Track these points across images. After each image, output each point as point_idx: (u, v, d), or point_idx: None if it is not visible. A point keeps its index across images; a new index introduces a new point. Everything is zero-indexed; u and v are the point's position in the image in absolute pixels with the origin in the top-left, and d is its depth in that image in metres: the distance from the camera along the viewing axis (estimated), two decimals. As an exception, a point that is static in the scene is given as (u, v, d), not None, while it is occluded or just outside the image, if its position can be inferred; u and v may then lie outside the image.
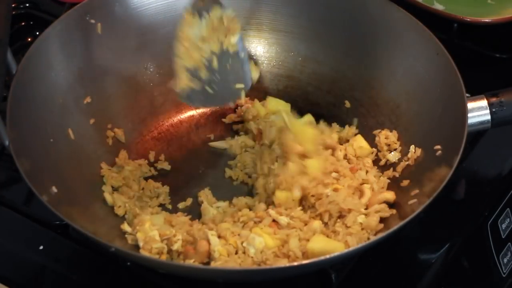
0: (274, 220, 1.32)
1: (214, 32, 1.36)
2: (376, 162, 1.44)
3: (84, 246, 1.34)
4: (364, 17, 1.51)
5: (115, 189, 1.41)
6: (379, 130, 1.45)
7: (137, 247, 1.29)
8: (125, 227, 1.33)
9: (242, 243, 1.28)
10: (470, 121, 1.30)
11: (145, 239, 1.28)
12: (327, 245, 1.26)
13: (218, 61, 1.37)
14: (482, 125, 1.35)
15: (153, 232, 1.29)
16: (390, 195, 1.35)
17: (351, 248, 1.23)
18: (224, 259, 1.26)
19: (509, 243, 1.44)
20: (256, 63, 1.53)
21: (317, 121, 1.52)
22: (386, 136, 1.43)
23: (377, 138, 1.44)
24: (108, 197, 1.37)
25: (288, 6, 1.57)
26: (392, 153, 1.41)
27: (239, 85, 1.40)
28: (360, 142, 1.45)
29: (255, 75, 1.44)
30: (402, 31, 1.46)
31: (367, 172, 1.40)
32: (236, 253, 1.28)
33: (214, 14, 1.35)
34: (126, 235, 1.32)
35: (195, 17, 1.34)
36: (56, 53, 1.41)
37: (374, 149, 1.45)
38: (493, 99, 1.35)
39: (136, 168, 1.45)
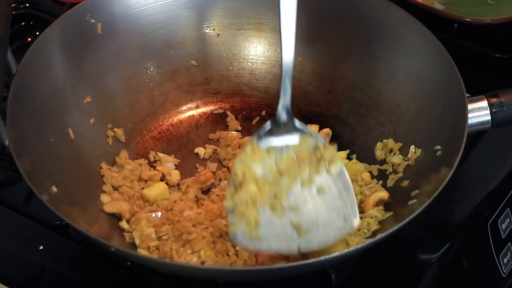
0: None
1: (301, 164, 1.21)
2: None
3: (84, 246, 1.34)
4: (364, 17, 1.51)
5: (115, 189, 1.41)
6: (375, 143, 1.45)
7: (134, 245, 1.30)
8: (123, 224, 1.33)
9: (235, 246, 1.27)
10: (470, 121, 1.30)
11: (141, 237, 1.29)
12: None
13: (301, 197, 1.20)
14: (482, 125, 1.35)
15: (149, 230, 1.29)
16: (384, 193, 1.35)
17: (351, 248, 1.23)
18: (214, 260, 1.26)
19: (509, 243, 1.44)
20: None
21: (317, 119, 1.53)
22: (384, 145, 1.43)
23: (377, 152, 1.44)
24: (103, 198, 1.37)
25: (288, 6, 1.57)
26: (396, 155, 1.41)
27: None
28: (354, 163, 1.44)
29: (355, 219, 1.24)
30: (402, 31, 1.46)
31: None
32: (227, 255, 1.29)
33: (301, 145, 1.22)
34: (124, 233, 1.32)
35: (266, 150, 1.21)
36: (56, 53, 1.41)
37: (373, 165, 1.44)
38: (493, 100, 1.35)
39: (136, 168, 1.45)
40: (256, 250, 1.21)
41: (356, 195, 1.30)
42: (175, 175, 1.44)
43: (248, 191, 1.18)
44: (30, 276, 1.34)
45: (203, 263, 1.27)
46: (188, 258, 1.27)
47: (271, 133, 1.23)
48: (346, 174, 1.23)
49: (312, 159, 1.21)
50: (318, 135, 1.25)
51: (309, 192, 1.21)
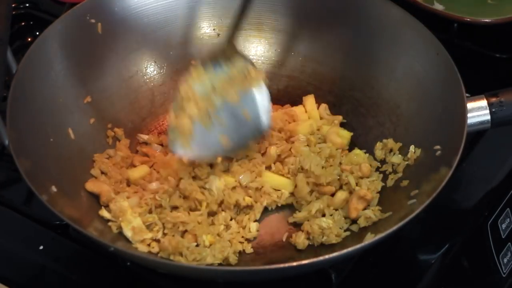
0: None
1: (232, 83, 1.36)
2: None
3: (84, 246, 1.35)
4: (364, 17, 1.51)
5: (103, 173, 1.41)
6: (375, 143, 1.45)
7: (121, 234, 1.30)
8: (104, 213, 1.33)
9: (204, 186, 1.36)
10: (470, 121, 1.30)
11: (133, 230, 1.29)
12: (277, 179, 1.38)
13: (229, 111, 1.36)
14: (482, 125, 1.35)
15: (136, 220, 1.30)
16: (365, 192, 1.35)
17: (351, 248, 1.22)
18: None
19: (509, 243, 1.44)
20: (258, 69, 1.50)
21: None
22: (384, 145, 1.43)
23: (376, 152, 1.44)
24: (89, 185, 1.37)
25: (288, 6, 1.57)
26: (395, 155, 1.41)
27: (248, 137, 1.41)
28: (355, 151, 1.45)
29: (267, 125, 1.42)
30: (402, 31, 1.46)
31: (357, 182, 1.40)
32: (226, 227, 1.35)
33: (234, 66, 1.37)
34: (109, 223, 1.32)
35: (206, 71, 1.35)
36: (56, 53, 1.41)
37: (376, 162, 1.44)
38: (493, 99, 1.35)
39: (129, 156, 1.45)
40: (189, 158, 1.36)
41: (350, 189, 1.39)
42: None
43: (188, 109, 1.33)
44: (30, 276, 1.34)
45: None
46: (196, 252, 1.27)
47: (214, 57, 1.37)
48: (267, 91, 1.40)
49: (241, 79, 1.37)
50: (249, 59, 1.40)
51: (235, 107, 1.37)
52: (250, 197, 1.38)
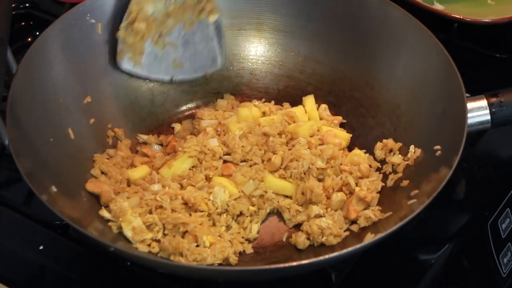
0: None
1: (185, 10, 1.43)
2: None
3: (84, 246, 1.35)
4: (364, 17, 1.51)
5: (103, 173, 1.41)
6: (375, 143, 1.45)
7: (121, 234, 1.30)
8: (104, 213, 1.33)
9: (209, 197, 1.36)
10: (470, 121, 1.30)
11: (134, 230, 1.29)
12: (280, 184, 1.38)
13: (183, 38, 1.46)
14: (482, 125, 1.35)
15: (137, 221, 1.30)
16: (363, 193, 1.36)
17: (351, 248, 1.22)
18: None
19: (509, 243, 1.44)
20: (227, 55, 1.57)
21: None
22: (384, 145, 1.43)
23: (376, 152, 1.44)
24: (89, 186, 1.37)
25: (288, 6, 1.57)
26: (395, 155, 1.41)
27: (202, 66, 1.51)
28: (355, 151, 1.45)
29: (221, 61, 1.53)
30: (402, 31, 1.46)
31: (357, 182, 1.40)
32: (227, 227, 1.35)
33: None
34: (109, 224, 1.32)
35: None
36: (56, 53, 1.41)
37: (376, 162, 1.44)
38: (493, 99, 1.35)
39: (129, 156, 1.45)
40: (137, 75, 1.47)
41: (350, 190, 1.39)
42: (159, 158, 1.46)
43: (138, 27, 1.41)
44: (30, 276, 1.34)
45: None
46: (196, 252, 1.26)
47: None
48: (222, 24, 1.50)
49: (196, 7, 1.44)
50: None
51: (189, 34, 1.46)
52: (254, 205, 1.38)
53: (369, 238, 1.28)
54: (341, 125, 1.52)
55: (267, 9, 1.58)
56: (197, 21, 1.45)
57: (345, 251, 1.21)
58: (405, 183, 1.35)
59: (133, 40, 1.42)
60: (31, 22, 1.80)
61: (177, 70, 1.50)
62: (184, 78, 1.53)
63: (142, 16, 1.41)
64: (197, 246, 1.29)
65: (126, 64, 1.46)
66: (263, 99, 1.57)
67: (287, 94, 1.58)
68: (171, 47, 1.46)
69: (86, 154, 1.42)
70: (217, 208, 1.34)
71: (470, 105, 1.33)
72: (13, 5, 1.59)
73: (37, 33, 1.42)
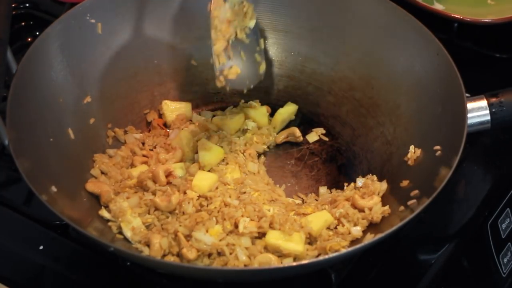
0: None
1: (236, 16, 1.43)
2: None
3: (84, 246, 1.35)
4: (364, 17, 1.51)
5: (103, 173, 1.41)
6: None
7: (120, 234, 1.30)
8: (104, 213, 1.33)
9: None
10: (470, 121, 1.30)
11: (133, 230, 1.29)
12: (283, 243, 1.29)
13: (239, 45, 1.45)
14: (482, 125, 1.35)
15: (136, 221, 1.30)
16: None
17: (351, 248, 1.23)
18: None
19: (509, 243, 1.44)
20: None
21: (317, 119, 1.55)
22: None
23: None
24: (89, 186, 1.37)
25: (288, 6, 1.57)
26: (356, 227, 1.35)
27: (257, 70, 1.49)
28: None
29: (262, 68, 1.50)
30: (402, 31, 1.46)
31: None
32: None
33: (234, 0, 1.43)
34: (109, 223, 1.32)
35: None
36: (56, 53, 1.41)
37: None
38: (493, 99, 1.35)
39: (129, 156, 1.45)
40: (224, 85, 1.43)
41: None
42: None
43: (217, 31, 1.42)
44: (30, 276, 1.34)
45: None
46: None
47: None
48: (257, 28, 1.48)
49: (240, 12, 1.44)
50: None
51: (241, 38, 1.46)
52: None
53: (369, 238, 1.29)
54: (341, 125, 1.52)
55: (267, 9, 1.58)
56: (244, 27, 1.45)
57: (345, 251, 1.22)
58: (405, 183, 1.35)
59: (218, 48, 1.42)
60: (31, 22, 1.80)
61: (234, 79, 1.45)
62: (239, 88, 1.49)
63: (218, 22, 1.42)
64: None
65: (222, 78, 1.43)
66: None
67: (287, 94, 1.58)
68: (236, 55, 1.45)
69: (86, 154, 1.42)
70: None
71: (470, 105, 1.33)
72: (13, 5, 1.59)
73: (37, 33, 1.42)
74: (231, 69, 1.42)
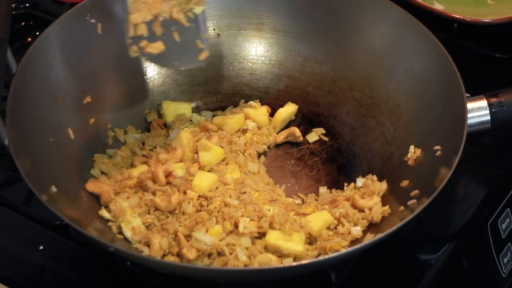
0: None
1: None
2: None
3: (84, 246, 1.35)
4: (364, 17, 1.51)
5: (103, 173, 1.41)
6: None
7: (121, 234, 1.30)
8: (104, 213, 1.33)
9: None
10: (469, 121, 1.30)
11: (133, 231, 1.29)
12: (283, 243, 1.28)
13: (174, 26, 1.42)
14: (482, 125, 1.35)
15: (136, 221, 1.30)
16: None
17: (351, 248, 1.23)
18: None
19: (509, 243, 1.44)
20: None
21: (317, 119, 1.55)
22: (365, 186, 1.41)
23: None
24: (89, 186, 1.37)
25: (288, 6, 1.57)
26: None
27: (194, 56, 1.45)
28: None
29: (204, 55, 1.45)
30: (402, 31, 1.46)
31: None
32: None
33: None
34: (109, 223, 1.32)
35: None
36: (56, 53, 1.41)
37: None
38: (493, 99, 1.35)
39: (129, 156, 1.45)
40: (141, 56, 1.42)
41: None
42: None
43: (137, 3, 1.36)
44: (30, 276, 1.34)
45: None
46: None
47: None
48: (204, 15, 1.43)
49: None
50: None
51: (178, 20, 1.41)
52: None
53: (369, 238, 1.28)
54: (341, 125, 1.52)
55: (267, 9, 1.58)
56: (185, 10, 1.42)
57: (345, 251, 1.22)
58: (405, 183, 1.35)
59: (137, 19, 1.38)
60: (31, 22, 1.80)
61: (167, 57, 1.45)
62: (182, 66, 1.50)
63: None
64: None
65: (136, 48, 1.41)
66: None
67: (287, 94, 1.58)
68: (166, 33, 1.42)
69: (86, 154, 1.42)
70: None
71: (470, 105, 1.33)
72: (13, 5, 1.59)
73: (37, 33, 1.42)
74: (154, 43, 1.40)
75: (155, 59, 1.43)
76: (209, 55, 1.45)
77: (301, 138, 1.54)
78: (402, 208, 1.30)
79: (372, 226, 1.33)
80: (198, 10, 1.42)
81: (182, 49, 1.43)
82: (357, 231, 1.31)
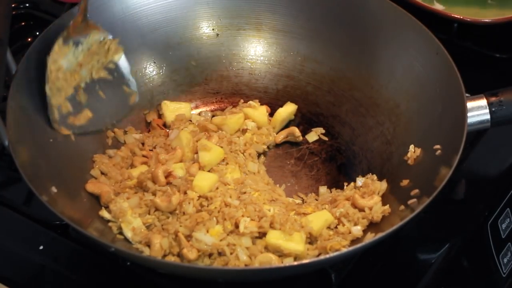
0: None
1: (93, 56, 1.40)
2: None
3: (84, 246, 1.35)
4: (364, 17, 1.51)
5: (103, 174, 1.41)
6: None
7: (121, 234, 1.30)
8: (104, 213, 1.33)
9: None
10: (469, 120, 1.30)
11: (134, 231, 1.29)
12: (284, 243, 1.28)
13: (98, 85, 1.42)
14: (482, 124, 1.35)
15: (137, 221, 1.30)
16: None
17: (351, 248, 1.23)
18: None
19: (509, 243, 1.44)
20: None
21: (317, 119, 1.54)
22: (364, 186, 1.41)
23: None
24: (89, 186, 1.37)
25: (288, 6, 1.57)
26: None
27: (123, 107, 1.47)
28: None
29: (134, 98, 1.48)
30: (402, 31, 1.46)
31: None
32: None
33: (92, 39, 1.39)
34: (110, 224, 1.32)
35: (68, 47, 1.36)
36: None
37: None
38: (493, 99, 1.35)
39: (128, 156, 1.45)
40: (72, 132, 1.39)
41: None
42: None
43: (56, 83, 1.36)
44: (30, 276, 1.34)
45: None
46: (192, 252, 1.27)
47: (71, 32, 1.38)
48: (125, 60, 1.45)
49: (101, 50, 1.41)
50: (105, 31, 1.41)
51: (100, 77, 1.42)
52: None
53: (370, 237, 1.28)
54: (341, 124, 1.52)
55: (267, 9, 1.58)
56: (105, 65, 1.42)
57: (345, 251, 1.22)
58: (405, 183, 1.35)
59: (58, 100, 1.37)
60: (31, 22, 1.80)
61: (98, 113, 1.44)
62: (116, 120, 1.48)
63: (59, 72, 1.36)
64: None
65: (62, 124, 1.38)
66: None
67: (287, 94, 1.58)
68: (89, 94, 1.41)
69: (86, 154, 1.42)
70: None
71: (470, 104, 1.33)
72: (13, 5, 1.59)
73: (37, 33, 1.42)
74: (81, 114, 1.41)
75: (85, 128, 1.42)
76: (138, 96, 1.48)
77: (301, 138, 1.54)
78: (402, 207, 1.30)
79: (372, 226, 1.33)
80: (117, 58, 1.43)
81: (110, 102, 1.45)
82: (357, 230, 1.31)
